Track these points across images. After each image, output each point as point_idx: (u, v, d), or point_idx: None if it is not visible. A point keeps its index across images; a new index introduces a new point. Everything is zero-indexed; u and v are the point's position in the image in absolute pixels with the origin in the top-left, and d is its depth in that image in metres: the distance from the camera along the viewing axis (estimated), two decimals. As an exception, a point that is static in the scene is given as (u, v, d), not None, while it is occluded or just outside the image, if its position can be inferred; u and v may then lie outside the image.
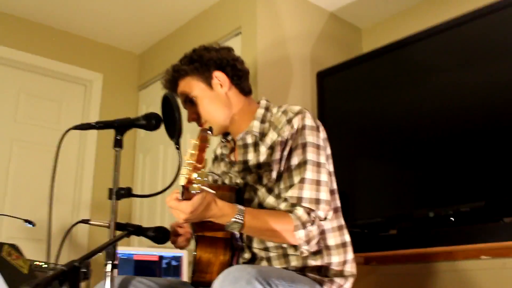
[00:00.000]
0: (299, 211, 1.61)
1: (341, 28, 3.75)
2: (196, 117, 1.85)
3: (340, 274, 1.73)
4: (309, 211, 1.62)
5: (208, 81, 1.83)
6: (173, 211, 1.42)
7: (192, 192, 1.30)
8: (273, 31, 3.30)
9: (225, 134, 1.98)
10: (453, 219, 2.43)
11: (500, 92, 2.45)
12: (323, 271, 1.72)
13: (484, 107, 2.52)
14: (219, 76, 1.84)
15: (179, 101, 1.67)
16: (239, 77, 1.88)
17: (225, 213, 1.50)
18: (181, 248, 1.90)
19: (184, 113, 1.66)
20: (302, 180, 1.65)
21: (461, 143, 2.54)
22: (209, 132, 1.35)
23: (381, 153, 2.94)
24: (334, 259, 1.73)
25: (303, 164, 1.67)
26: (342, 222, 1.81)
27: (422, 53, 2.85)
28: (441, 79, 2.72)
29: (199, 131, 1.34)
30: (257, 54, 3.15)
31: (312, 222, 1.61)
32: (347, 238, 1.79)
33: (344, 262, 1.75)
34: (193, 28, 3.81)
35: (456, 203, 2.43)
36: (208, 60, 1.84)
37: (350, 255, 1.77)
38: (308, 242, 1.61)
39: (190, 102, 1.84)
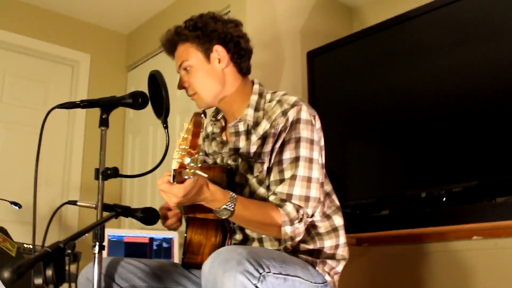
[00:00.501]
0: (289, 207, 1.59)
1: (332, 7, 3.71)
2: (186, 86, 1.80)
3: (332, 257, 1.73)
4: (298, 208, 1.61)
5: (207, 53, 1.77)
6: (165, 195, 1.40)
7: (184, 176, 1.27)
8: (262, 10, 3.25)
9: (216, 112, 1.95)
10: (445, 199, 2.42)
11: (494, 72, 2.43)
12: (315, 254, 1.71)
13: (476, 87, 2.50)
14: (219, 51, 1.77)
15: (166, 78, 1.63)
16: (240, 56, 1.81)
17: (217, 198, 1.48)
18: (174, 229, 1.87)
19: (172, 90, 1.62)
20: (293, 177, 1.63)
21: (453, 123, 2.53)
22: (202, 116, 1.32)
23: (373, 133, 2.92)
24: (326, 244, 1.73)
25: (295, 160, 1.65)
26: (333, 207, 1.80)
27: (414, 31, 2.82)
28: (434, 58, 2.69)
29: (192, 115, 1.30)
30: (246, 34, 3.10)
31: (300, 220, 1.60)
32: (338, 222, 1.77)
33: (336, 246, 1.74)
34: (181, 7, 3.75)
35: (448, 183, 2.42)
36: (212, 31, 1.77)
37: (342, 239, 1.76)
38: (293, 238, 1.60)
39: (184, 69, 1.80)
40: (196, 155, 1.24)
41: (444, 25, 2.67)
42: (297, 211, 1.60)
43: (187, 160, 1.23)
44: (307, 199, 1.62)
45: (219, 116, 1.93)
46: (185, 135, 1.27)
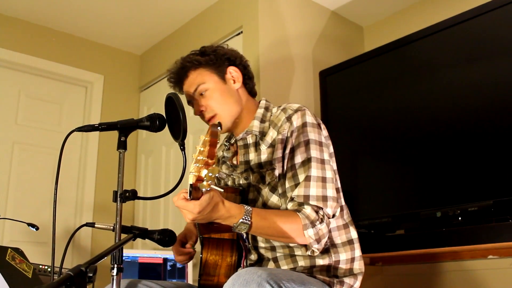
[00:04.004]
0: (307, 209, 1.59)
1: (343, 27, 3.74)
2: (204, 110, 1.81)
3: (349, 272, 1.72)
4: (317, 209, 1.60)
5: (221, 75, 1.83)
6: (181, 211, 1.40)
7: (202, 189, 1.27)
8: (274, 30, 3.27)
9: (229, 138, 1.96)
10: (460, 219, 2.40)
11: (508, 89, 2.42)
12: (332, 271, 1.69)
13: (491, 105, 2.50)
14: (233, 71, 1.85)
15: (183, 100, 1.64)
16: (249, 77, 1.91)
17: (233, 214, 1.48)
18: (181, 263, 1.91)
19: (188, 111, 1.64)
20: (307, 178, 1.63)
21: (468, 142, 2.52)
22: (218, 128, 1.33)
23: (387, 152, 2.92)
24: (342, 257, 1.71)
25: (307, 161, 1.66)
26: (348, 219, 1.80)
27: (425, 50, 2.83)
28: (445, 76, 2.70)
29: (208, 127, 1.32)
30: (258, 53, 3.13)
31: (321, 220, 1.59)
32: (353, 235, 1.77)
33: (352, 260, 1.73)
34: (194, 28, 3.79)
35: (464, 203, 2.40)
36: (223, 55, 1.85)
37: (357, 252, 1.76)
38: (318, 240, 1.58)
39: (200, 94, 1.81)
40: (214, 165, 1.24)
41: (455, 44, 2.68)
42: (316, 212, 1.59)
43: (203, 172, 1.23)
44: (324, 198, 1.62)
45: (232, 141, 1.94)
46: (201, 148, 1.27)
